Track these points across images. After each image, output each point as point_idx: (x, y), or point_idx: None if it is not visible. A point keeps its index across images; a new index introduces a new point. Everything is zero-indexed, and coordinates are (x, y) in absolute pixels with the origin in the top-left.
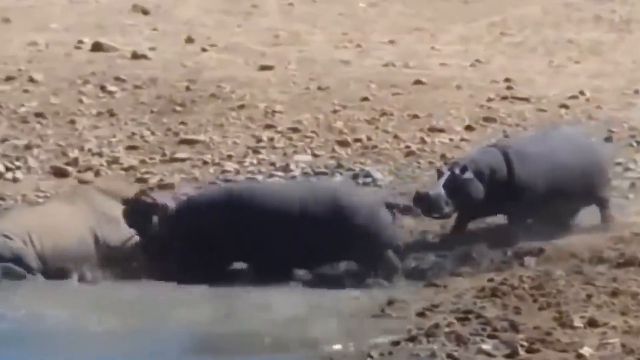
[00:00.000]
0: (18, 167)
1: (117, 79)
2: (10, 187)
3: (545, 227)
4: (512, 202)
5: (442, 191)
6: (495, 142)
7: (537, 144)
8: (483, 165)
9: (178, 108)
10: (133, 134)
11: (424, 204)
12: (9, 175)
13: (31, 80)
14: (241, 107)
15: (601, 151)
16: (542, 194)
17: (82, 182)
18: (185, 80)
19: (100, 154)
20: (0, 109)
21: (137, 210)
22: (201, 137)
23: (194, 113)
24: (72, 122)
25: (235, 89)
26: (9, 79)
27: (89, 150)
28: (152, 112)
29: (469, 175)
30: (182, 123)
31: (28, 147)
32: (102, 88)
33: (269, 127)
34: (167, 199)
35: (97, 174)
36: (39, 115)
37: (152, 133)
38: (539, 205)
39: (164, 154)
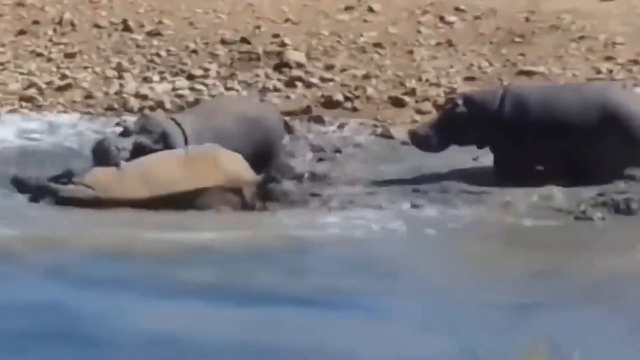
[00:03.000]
0: (357, 97)
1: (457, 9)
2: (350, 116)
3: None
4: (500, 137)
5: (428, 130)
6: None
7: (543, 90)
8: (477, 100)
9: (517, 39)
10: (471, 64)
11: (415, 140)
12: (348, 104)
13: (370, 10)
14: (581, 38)
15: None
16: (534, 136)
17: (419, 112)
18: (525, 11)
19: (437, 85)
20: (339, 38)
21: None
22: (540, 69)
23: (533, 44)
24: (410, 52)
25: (575, 20)
26: (348, 8)
27: (427, 80)
28: (491, 43)
29: (461, 109)
30: (521, 54)
31: (366, 77)
32: (441, 18)
33: (608, 59)
34: None
35: (434, 104)
36: (377, 45)
37: (491, 64)
38: (531, 150)
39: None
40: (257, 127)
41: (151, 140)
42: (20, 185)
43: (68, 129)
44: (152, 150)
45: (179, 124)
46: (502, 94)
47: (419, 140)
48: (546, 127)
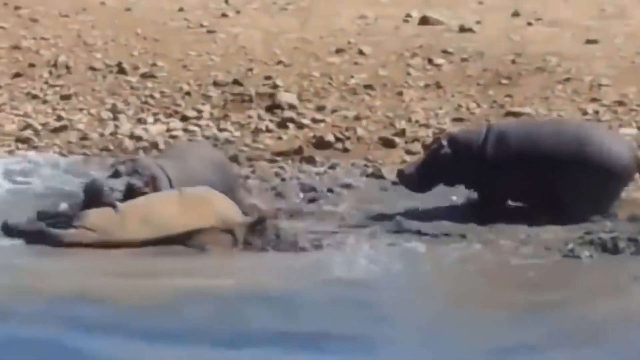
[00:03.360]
0: (348, 138)
1: (444, 52)
2: (341, 157)
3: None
4: (484, 175)
5: (414, 169)
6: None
7: (526, 126)
8: (461, 139)
9: (504, 81)
10: (459, 106)
11: (402, 180)
12: (339, 145)
13: (360, 52)
14: (567, 80)
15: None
16: (518, 172)
17: (409, 152)
18: (511, 53)
19: (427, 126)
20: (330, 80)
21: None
22: (527, 110)
23: (520, 86)
24: (400, 94)
25: (561, 63)
26: (338, 51)
27: (416, 121)
28: (478, 84)
29: (445, 150)
30: (508, 96)
31: (357, 118)
32: (430, 61)
33: (594, 100)
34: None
35: (424, 144)
36: (367, 87)
37: (478, 105)
38: (514, 187)
39: None
40: (225, 172)
41: (142, 182)
42: (11, 231)
43: (59, 170)
44: (142, 192)
45: (162, 169)
46: (485, 132)
47: (407, 180)
48: (529, 163)
